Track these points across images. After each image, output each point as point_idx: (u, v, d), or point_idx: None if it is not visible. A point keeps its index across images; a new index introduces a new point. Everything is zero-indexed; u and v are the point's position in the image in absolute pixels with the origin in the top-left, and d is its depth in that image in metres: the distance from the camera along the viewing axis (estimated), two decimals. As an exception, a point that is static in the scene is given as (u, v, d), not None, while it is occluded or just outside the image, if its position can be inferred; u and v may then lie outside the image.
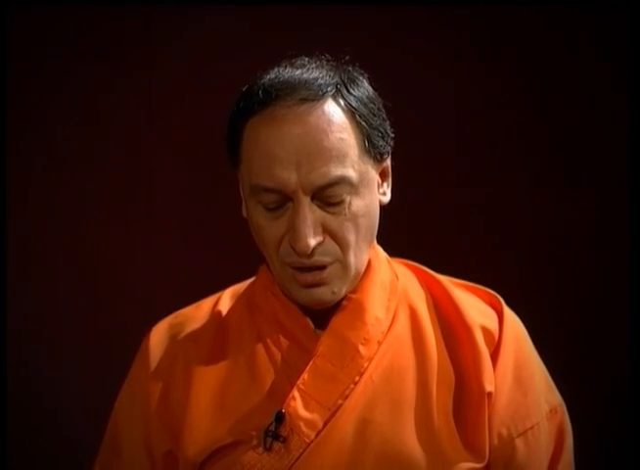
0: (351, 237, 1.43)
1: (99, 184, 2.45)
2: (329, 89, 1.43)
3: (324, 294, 1.45)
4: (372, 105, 1.46)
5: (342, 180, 1.41)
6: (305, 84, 1.42)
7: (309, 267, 1.43)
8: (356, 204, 1.43)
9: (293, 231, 1.41)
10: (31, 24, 2.39)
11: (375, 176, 1.47)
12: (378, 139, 1.45)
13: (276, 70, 1.46)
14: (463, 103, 2.40)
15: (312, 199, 1.41)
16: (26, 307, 2.45)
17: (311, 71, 1.44)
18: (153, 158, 2.47)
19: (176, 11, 2.39)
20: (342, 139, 1.41)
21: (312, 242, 1.41)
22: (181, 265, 2.44)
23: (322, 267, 1.44)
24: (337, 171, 1.41)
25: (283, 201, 1.42)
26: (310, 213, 1.41)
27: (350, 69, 1.48)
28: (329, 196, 1.41)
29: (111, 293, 2.46)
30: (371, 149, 1.45)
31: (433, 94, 2.38)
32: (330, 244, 1.43)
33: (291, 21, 2.35)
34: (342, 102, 1.43)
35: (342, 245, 1.43)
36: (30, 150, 2.44)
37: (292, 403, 1.45)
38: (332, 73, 1.45)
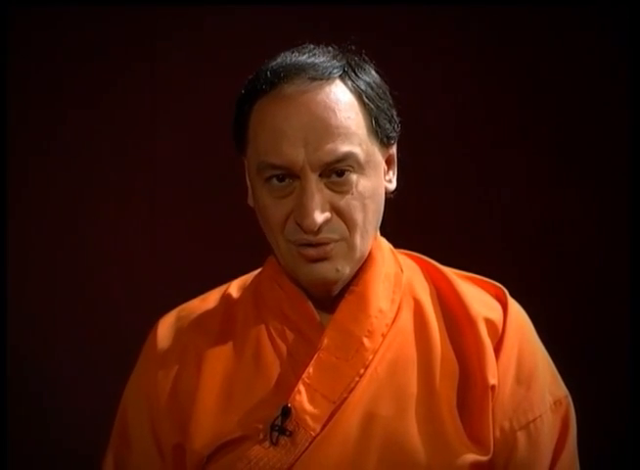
0: (359, 217, 1.44)
1: (99, 184, 2.45)
2: (336, 71, 1.44)
3: (328, 271, 1.45)
4: (379, 89, 1.47)
5: (349, 156, 1.42)
6: (313, 66, 1.44)
7: (315, 244, 1.43)
8: (363, 184, 1.44)
9: (300, 207, 1.41)
10: (31, 24, 2.39)
11: (381, 161, 1.48)
12: (385, 122, 1.47)
13: (283, 55, 1.47)
14: (464, 99, 2.40)
15: (320, 177, 1.42)
16: (26, 307, 2.44)
17: (319, 56, 1.46)
18: (153, 157, 2.46)
19: (177, 11, 2.39)
20: (349, 117, 1.42)
21: (319, 218, 1.41)
22: (184, 261, 2.43)
23: (327, 243, 1.43)
24: (343, 148, 1.41)
25: (290, 180, 1.42)
26: (318, 191, 1.41)
27: (357, 58, 1.49)
28: (336, 173, 1.42)
29: (112, 290, 2.44)
30: (378, 130, 1.46)
31: (432, 91, 2.39)
32: (337, 222, 1.43)
33: (291, 20, 2.35)
34: (349, 83, 1.45)
35: (350, 224, 1.44)
36: (30, 150, 2.43)
37: (297, 397, 1.44)
38: (339, 57, 1.47)
